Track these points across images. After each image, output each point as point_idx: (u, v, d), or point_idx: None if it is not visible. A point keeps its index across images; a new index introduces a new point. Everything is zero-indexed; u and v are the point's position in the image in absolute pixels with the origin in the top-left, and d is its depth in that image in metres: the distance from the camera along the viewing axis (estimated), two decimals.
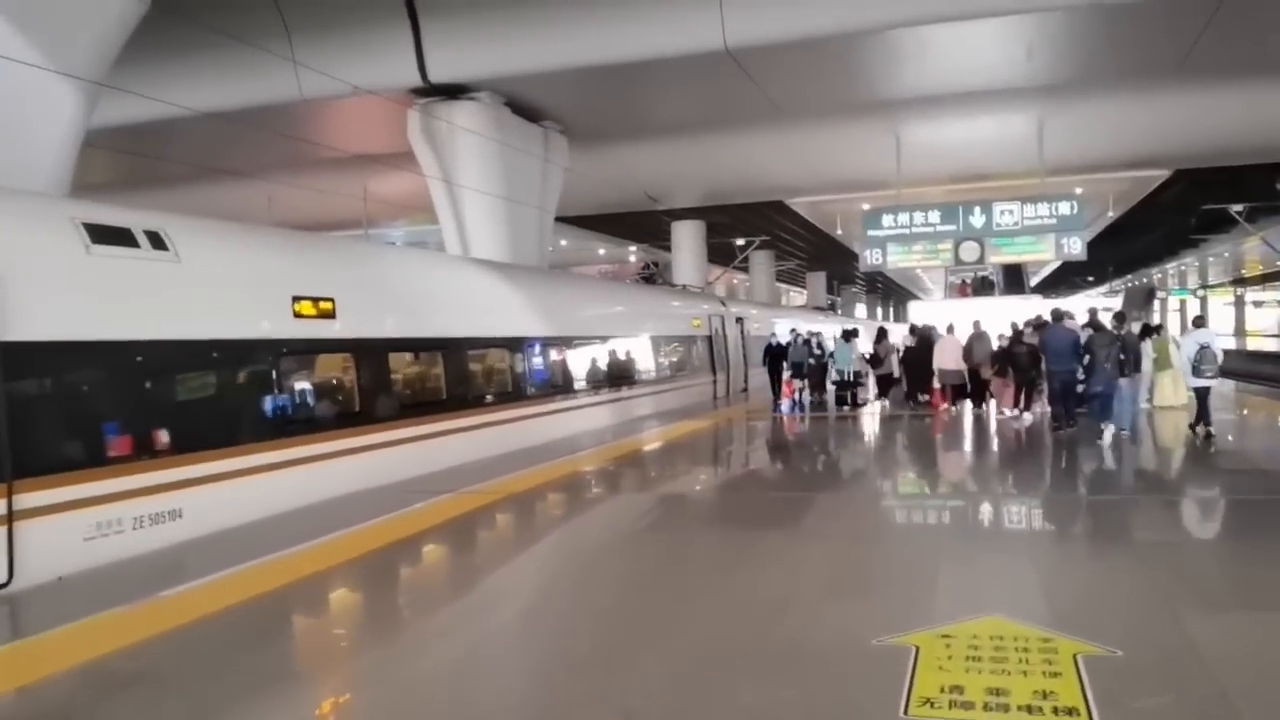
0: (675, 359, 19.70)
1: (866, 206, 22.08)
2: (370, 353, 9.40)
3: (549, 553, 7.01)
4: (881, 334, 20.55)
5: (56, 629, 4.93)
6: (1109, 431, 12.06)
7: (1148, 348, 15.20)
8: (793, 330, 20.61)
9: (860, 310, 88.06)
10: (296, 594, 5.74)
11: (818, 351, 19.43)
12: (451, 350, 10.89)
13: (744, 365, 24.19)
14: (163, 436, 7.01)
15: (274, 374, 8.10)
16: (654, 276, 38.41)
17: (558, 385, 13.97)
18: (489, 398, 11.86)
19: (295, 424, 8.33)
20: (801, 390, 19.32)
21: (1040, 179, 22.81)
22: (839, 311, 68.14)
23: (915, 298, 70.95)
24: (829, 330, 23.74)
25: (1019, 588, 5.55)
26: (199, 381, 7.50)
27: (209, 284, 7.73)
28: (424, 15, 17.06)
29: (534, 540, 7.58)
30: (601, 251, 43.06)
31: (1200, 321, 14.82)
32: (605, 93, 19.29)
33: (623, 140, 23.16)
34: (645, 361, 18.11)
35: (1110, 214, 30.78)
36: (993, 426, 15.26)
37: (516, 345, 12.62)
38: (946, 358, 17.32)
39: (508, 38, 16.84)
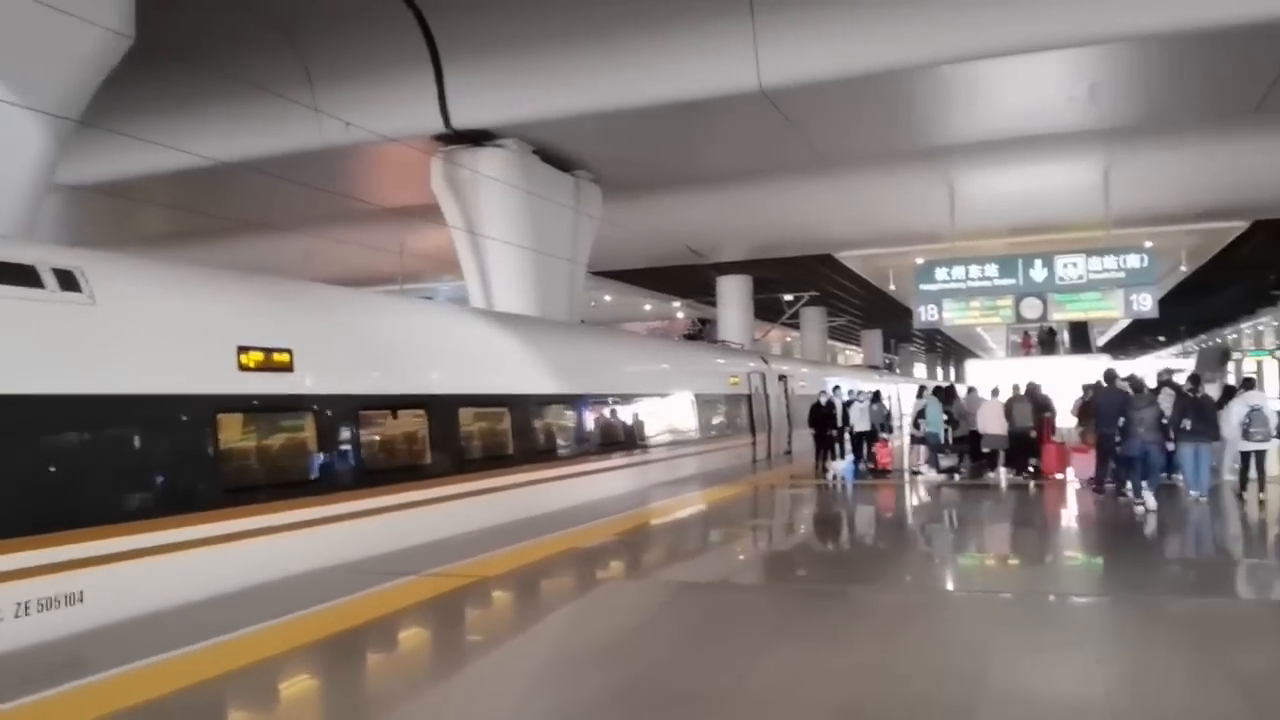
0: (709, 419, 18.45)
1: (920, 260, 20.80)
2: (336, 411, 8.37)
3: (494, 665, 5.75)
4: (951, 392, 19.08)
5: None
6: (1148, 498, 11.64)
7: (1233, 412, 13.63)
8: (851, 390, 19.21)
9: (920, 370, 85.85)
10: (190, 702, 4.67)
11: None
12: (439, 408, 9.83)
13: (788, 426, 22.85)
14: (63, 506, 6.03)
15: (208, 435, 7.09)
16: (701, 334, 37.28)
17: (568, 448, 12.84)
18: (483, 462, 10.76)
19: (235, 493, 7.29)
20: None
21: (1106, 231, 21.35)
22: (896, 371, 66.30)
23: (976, 357, 68.65)
24: (883, 390, 22.38)
25: None
26: (111, 442, 6.51)
27: (130, 331, 6.79)
28: (446, 59, 16.41)
29: (482, 645, 6.37)
30: (648, 307, 42.15)
31: (1251, 383, 13.73)
32: (639, 140, 18.43)
33: (661, 191, 22.29)
34: (673, 422, 16.91)
35: (1183, 268, 29.07)
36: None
37: (519, 403, 11.52)
38: (989, 421, 16.40)
39: (533, 82, 16.11)
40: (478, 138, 17.29)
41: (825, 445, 17.91)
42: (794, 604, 7.16)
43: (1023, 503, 13.72)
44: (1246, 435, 12.04)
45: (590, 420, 13.50)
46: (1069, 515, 12.74)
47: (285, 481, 7.97)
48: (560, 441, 12.80)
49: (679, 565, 9.28)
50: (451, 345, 11.38)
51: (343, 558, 7.80)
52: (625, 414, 15.00)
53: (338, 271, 29.77)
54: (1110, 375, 14.27)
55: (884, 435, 18.82)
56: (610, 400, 14.47)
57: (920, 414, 17.03)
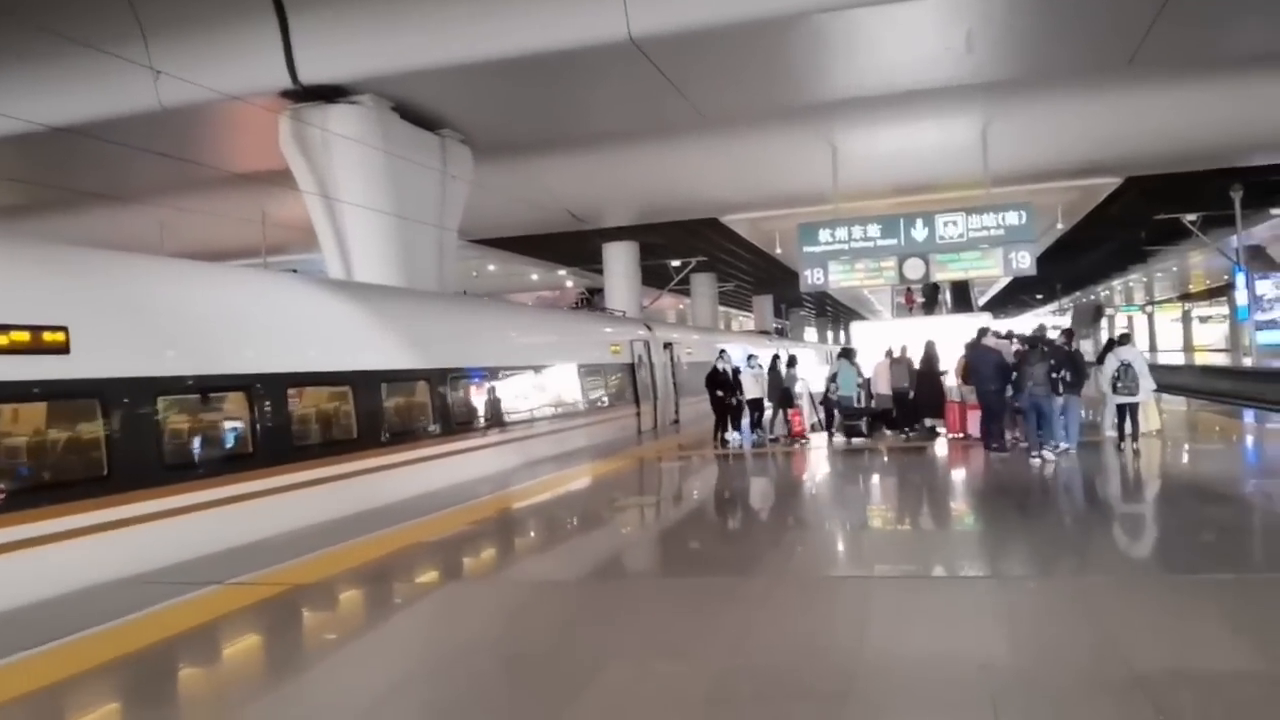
0: (588, 390, 17.58)
1: (801, 223, 20.37)
2: (127, 396, 7.25)
3: (288, 700, 4.76)
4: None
5: None
6: (1047, 451, 12.08)
7: (1109, 367, 13.48)
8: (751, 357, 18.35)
9: (811, 334, 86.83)
10: None
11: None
12: (263, 390, 8.76)
13: (675, 395, 22.23)
14: None
15: None
16: (589, 303, 36.46)
17: (423, 428, 11.81)
18: (319, 449, 9.73)
19: None
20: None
21: (986, 189, 21.24)
22: (788, 335, 66.74)
23: (864, 319, 69.62)
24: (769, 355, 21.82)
25: None
26: None
27: None
28: (292, 8, 15.11)
29: (276, 676, 5.25)
30: (534, 277, 41.09)
31: (1126, 339, 14.02)
32: (509, 97, 17.38)
33: (538, 153, 21.28)
34: (546, 395, 15.96)
35: (1059, 226, 29.44)
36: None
37: (364, 381, 10.47)
38: (880, 382, 16.57)
39: (387, 32, 14.95)
40: (330, 94, 16.02)
41: (722, 414, 17.15)
42: (667, 601, 6.15)
43: (915, 465, 13.27)
44: (1116, 390, 12.46)
45: (449, 397, 12.44)
46: (963, 476, 12.58)
47: (60, 481, 6.85)
48: (414, 422, 11.77)
49: (537, 559, 8.27)
50: (280, 318, 10.21)
51: (138, 568, 6.73)
52: (490, 389, 13.97)
53: (195, 245, 27.89)
54: (981, 333, 14.30)
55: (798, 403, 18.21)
56: (472, 374, 13.40)
57: (833, 378, 16.33)
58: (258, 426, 8.66)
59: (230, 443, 8.68)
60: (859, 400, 16.69)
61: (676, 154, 22.04)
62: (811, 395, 18.09)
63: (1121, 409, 12.69)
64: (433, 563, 7.78)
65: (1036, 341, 13.21)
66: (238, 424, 8.69)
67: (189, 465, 8.07)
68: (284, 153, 16.82)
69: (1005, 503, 9.84)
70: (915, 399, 15.96)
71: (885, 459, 13.82)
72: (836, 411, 16.43)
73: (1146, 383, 12.67)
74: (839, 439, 15.98)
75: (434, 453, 11.58)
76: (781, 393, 17.07)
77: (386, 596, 6.69)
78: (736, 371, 17.14)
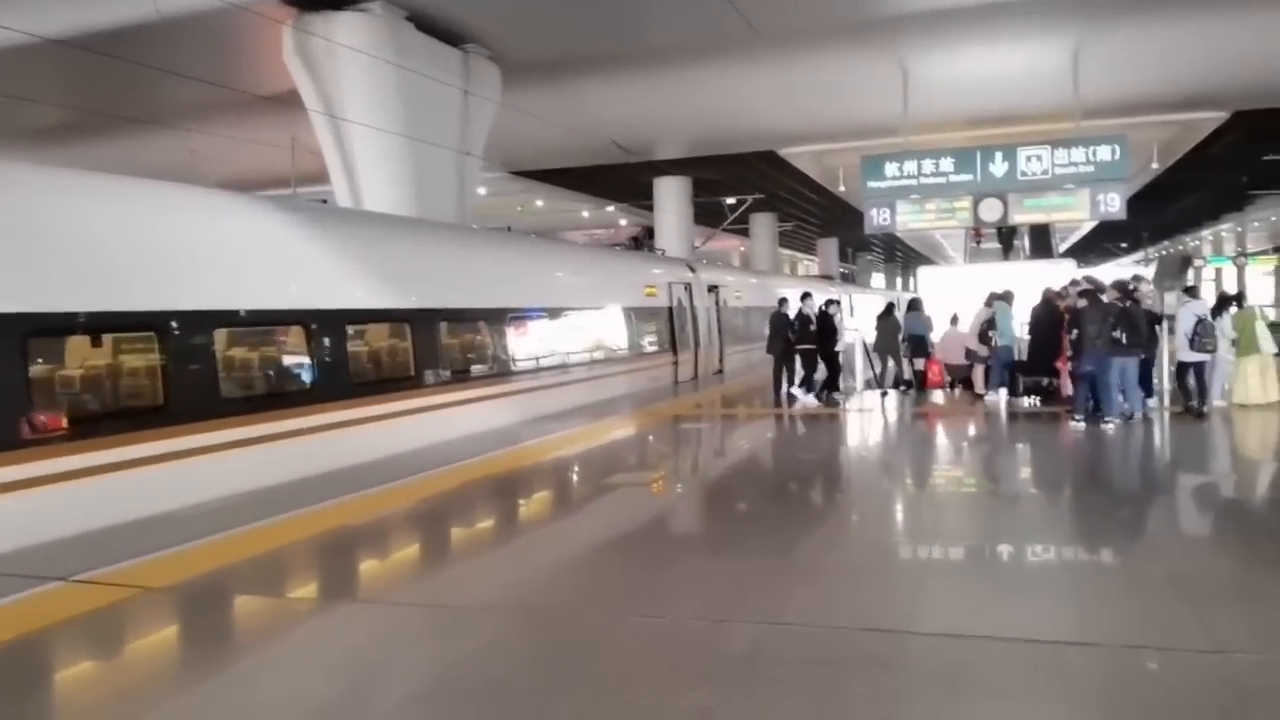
0: (614, 336, 15.95)
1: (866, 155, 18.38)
2: None
3: None
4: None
5: None
6: (1109, 422, 10.88)
7: (1225, 325, 11.56)
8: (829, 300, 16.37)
9: (878, 280, 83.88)
10: None
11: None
12: (178, 331, 7.30)
13: (718, 343, 20.55)
14: None
15: None
16: (640, 243, 34.72)
17: (401, 377, 10.33)
18: (261, 401, 8.31)
19: None
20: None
21: (1075, 123, 18.94)
22: (854, 281, 64.26)
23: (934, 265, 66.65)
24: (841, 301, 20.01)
25: None
26: None
27: None
28: None
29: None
30: (585, 214, 39.33)
31: (1194, 291, 12.60)
32: (544, 8, 15.60)
33: (577, 74, 19.45)
34: (561, 341, 14.32)
35: (1154, 166, 26.80)
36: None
37: (327, 321, 8.98)
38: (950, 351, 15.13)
39: None
40: (337, 1, 14.42)
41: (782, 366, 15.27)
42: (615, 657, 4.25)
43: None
44: (1197, 346, 11.35)
45: (438, 342, 10.92)
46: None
47: None
48: (392, 370, 10.33)
49: (466, 565, 6.30)
50: (207, 243, 8.56)
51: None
52: (493, 333, 12.44)
53: (226, 173, 26.79)
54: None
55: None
56: (469, 316, 11.89)
57: (990, 323, 13.82)
58: (172, 373, 7.23)
59: (137, 392, 7.27)
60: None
61: (730, 78, 20.07)
62: (866, 346, 16.25)
63: (1183, 367, 11.56)
64: (331, 559, 6.22)
65: (1094, 295, 11.73)
66: (148, 369, 7.27)
67: (82, 421, 6.67)
68: (289, 68, 15.35)
69: None
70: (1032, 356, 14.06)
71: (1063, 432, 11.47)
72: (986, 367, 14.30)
73: (1269, 345, 10.78)
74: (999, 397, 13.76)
75: (415, 405, 10.10)
76: (914, 340, 15.77)
77: (254, 609, 5.15)
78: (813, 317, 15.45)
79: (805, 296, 15.60)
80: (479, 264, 13.58)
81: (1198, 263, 76.65)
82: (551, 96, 20.25)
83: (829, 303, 15.68)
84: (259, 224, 9.36)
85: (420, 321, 10.61)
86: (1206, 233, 61.80)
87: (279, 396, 8.65)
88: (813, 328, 14.99)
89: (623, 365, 15.97)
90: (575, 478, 9.53)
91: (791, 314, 15.52)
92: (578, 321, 14.99)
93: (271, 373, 8.85)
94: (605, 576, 5.65)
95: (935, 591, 5.10)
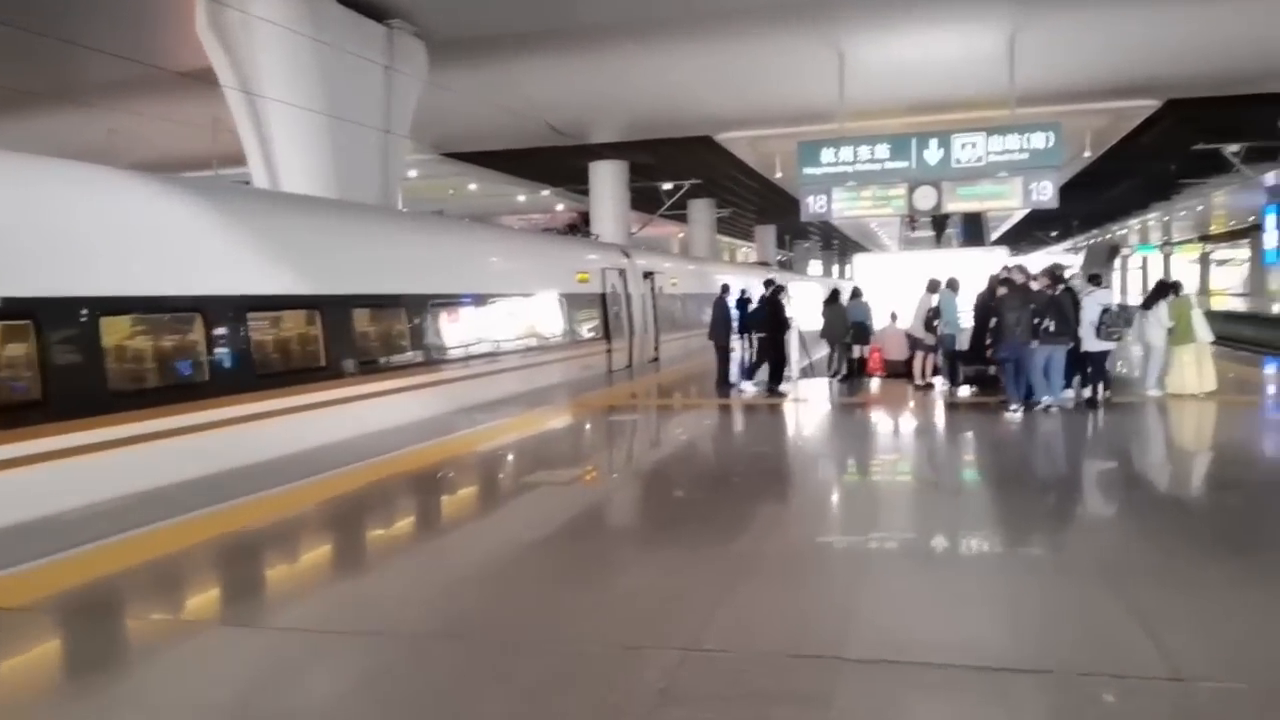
0: (542, 324, 15.43)
1: (802, 141, 18.11)
2: None
3: None
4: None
5: None
6: (1013, 407, 11.06)
7: (1162, 314, 11.47)
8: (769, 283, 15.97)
9: (815, 267, 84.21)
10: None
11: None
12: (50, 320, 6.66)
13: (654, 330, 20.17)
14: None
15: None
16: (577, 229, 34.19)
17: (299, 369, 9.71)
18: (140, 397, 7.67)
19: None
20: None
21: (1010, 110, 18.87)
22: (792, 269, 64.38)
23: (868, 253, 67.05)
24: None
25: None
26: None
27: None
28: None
29: None
30: (521, 198, 38.61)
31: (1098, 280, 12.31)
32: None
33: (510, 53, 18.82)
34: (484, 328, 13.68)
35: (1087, 154, 26.99)
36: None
37: (213, 308, 8.33)
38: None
39: None
40: None
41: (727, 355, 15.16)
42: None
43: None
44: (1104, 335, 11.21)
45: (345, 330, 10.34)
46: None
47: None
48: (289, 361, 9.70)
49: (360, 580, 5.66)
50: (93, 224, 7.84)
51: None
52: (409, 320, 11.78)
53: (146, 154, 25.67)
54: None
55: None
56: (389, 303, 11.31)
57: (935, 311, 13.57)
58: (47, 367, 6.60)
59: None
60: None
61: (666, 60, 19.63)
62: (802, 335, 16.00)
63: (1083, 358, 11.46)
64: (216, 576, 5.63)
65: (1011, 284, 11.71)
66: (25, 360, 6.64)
67: None
68: (202, 41, 14.56)
69: None
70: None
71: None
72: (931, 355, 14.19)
73: (1205, 334, 10.72)
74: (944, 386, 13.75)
75: (327, 398, 9.53)
76: (856, 327, 15.57)
77: (106, 643, 4.56)
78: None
79: (769, 284, 15.40)
80: (400, 248, 12.91)
81: (1125, 251, 78.52)
82: (483, 76, 19.65)
83: (777, 289, 15.31)
84: (145, 204, 8.64)
85: (332, 308, 10.01)
86: (1134, 222, 63.02)
87: (172, 390, 8.03)
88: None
89: (554, 353, 15.49)
90: (493, 476, 8.94)
91: (733, 301, 15.30)
92: (506, 308, 14.43)
93: (163, 364, 8.22)
94: (512, 592, 5.14)
95: (870, 603, 4.72)
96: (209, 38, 14.26)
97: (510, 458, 9.70)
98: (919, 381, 13.87)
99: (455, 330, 12.78)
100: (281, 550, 6.25)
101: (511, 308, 14.59)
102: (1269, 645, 3.96)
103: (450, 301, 12.78)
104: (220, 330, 8.40)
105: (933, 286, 13.74)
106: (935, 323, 13.31)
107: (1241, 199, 40.04)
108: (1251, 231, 48.38)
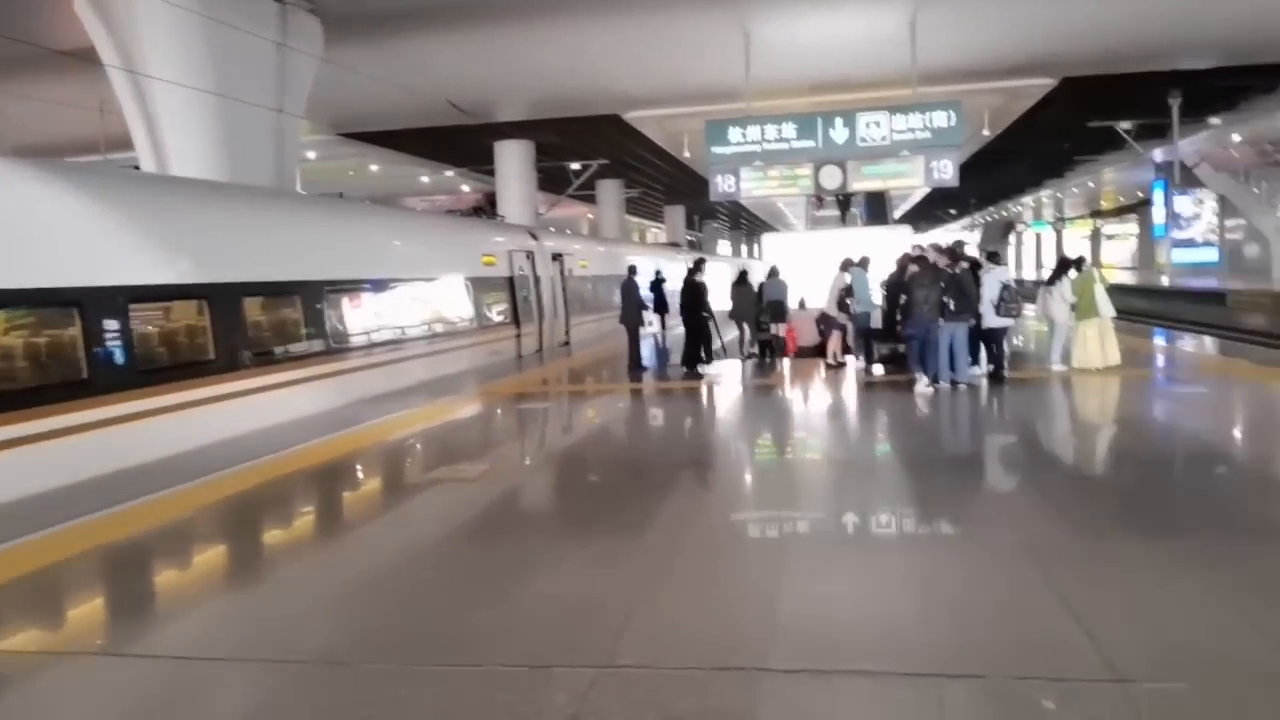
0: (445, 309, 14.99)
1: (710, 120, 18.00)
2: None
3: None
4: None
5: None
6: (923, 383, 11.12)
7: (1065, 289, 11.65)
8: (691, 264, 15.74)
9: (725, 248, 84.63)
10: None
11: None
12: None
13: (564, 313, 19.88)
14: None
15: None
16: (484, 211, 33.56)
17: (214, 359, 9.23)
18: (26, 392, 7.14)
19: None
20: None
21: (913, 89, 19.04)
22: (701, 249, 64.52)
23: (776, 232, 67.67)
24: (678, 271, 19.72)
25: None
26: None
27: None
28: None
29: None
30: (425, 180, 37.73)
31: (996, 257, 12.47)
32: None
33: (408, 29, 18.21)
34: (383, 315, 13.13)
35: (986, 133, 27.53)
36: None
37: (105, 300, 7.79)
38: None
39: None
40: None
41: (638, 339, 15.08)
42: None
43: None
44: (1004, 311, 11.32)
45: (252, 319, 9.84)
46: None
47: None
48: (191, 352, 9.17)
49: (238, 595, 5.18)
50: None
51: None
52: (310, 309, 11.22)
53: (30, 138, 24.32)
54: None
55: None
56: (284, 290, 10.76)
57: (848, 290, 13.39)
58: None
59: None
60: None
61: (572, 37, 19.27)
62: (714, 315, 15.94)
63: (985, 335, 11.53)
64: (78, 595, 5.12)
65: (923, 261, 11.77)
66: None
67: None
68: (80, 17, 13.71)
69: None
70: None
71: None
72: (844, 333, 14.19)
73: (1108, 309, 10.95)
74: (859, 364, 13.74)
75: (216, 393, 9.03)
76: (774, 306, 15.43)
77: None
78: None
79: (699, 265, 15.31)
80: (293, 232, 12.31)
81: (1020, 227, 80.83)
82: (381, 53, 19.01)
83: (695, 268, 15.09)
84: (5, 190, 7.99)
85: (220, 297, 9.47)
86: (1029, 199, 64.88)
87: (47, 390, 7.47)
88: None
89: (461, 339, 15.07)
90: (393, 474, 8.41)
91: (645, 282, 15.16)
92: (409, 293, 13.93)
93: (31, 361, 7.63)
94: (411, 606, 4.74)
95: (793, 601, 4.55)
96: (87, 12, 13.44)
97: (411, 452, 9.24)
98: (831, 361, 13.91)
99: (355, 317, 12.27)
100: (158, 564, 5.77)
101: (414, 293, 14.12)
102: (1203, 638, 3.91)
103: (350, 287, 12.26)
104: (99, 324, 7.84)
105: (845, 265, 13.74)
106: (848, 301, 13.31)
107: (1131, 175, 41.41)
108: (1140, 207, 50.23)
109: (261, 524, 6.73)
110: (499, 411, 11.64)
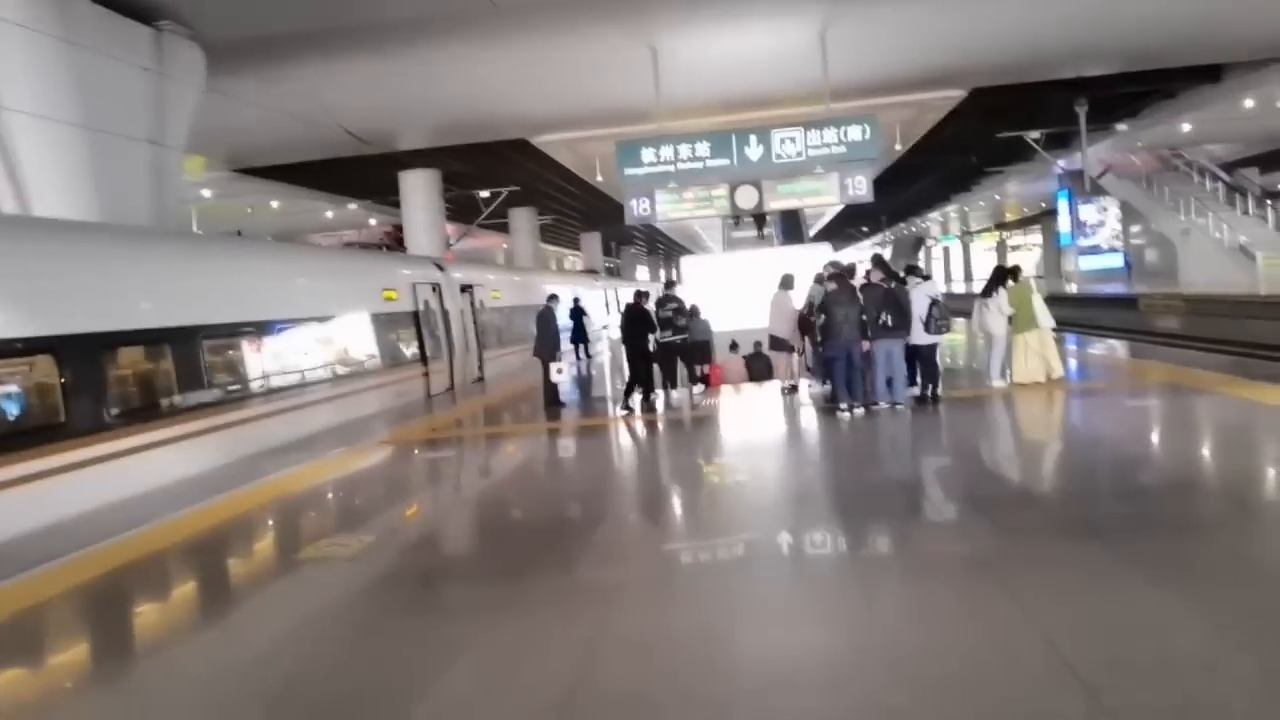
0: (342, 350, 13.97)
1: (620, 142, 17.42)
2: None
3: None
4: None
5: None
6: (843, 407, 10.76)
7: (1002, 301, 11.21)
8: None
9: (643, 273, 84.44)
10: None
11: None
12: None
13: (476, 348, 18.96)
14: None
15: None
16: (391, 245, 32.46)
17: (65, 422, 8.12)
18: None
19: None
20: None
21: (826, 105, 18.74)
22: (620, 275, 64.09)
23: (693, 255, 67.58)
24: (596, 299, 19.01)
25: None
26: None
27: None
28: None
29: None
30: (329, 215, 36.42)
31: (918, 271, 12.05)
32: None
33: (298, 56, 17.21)
34: (277, 360, 12.07)
35: (898, 148, 27.50)
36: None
37: None
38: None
39: None
40: None
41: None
42: None
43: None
44: (934, 328, 10.93)
45: (113, 374, 8.76)
46: None
47: None
48: (41, 414, 8.09)
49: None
50: None
51: None
52: (184, 358, 10.12)
53: None
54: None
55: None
56: (150, 339, 9.69)
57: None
58: None
59: None
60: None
61: (472, 61, 18.48)
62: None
63: (914, 352, 11.11)
64: None
65: (841, 279, 11.35)
66: None
67: None
68: None
69: None
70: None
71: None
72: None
73: (1047, 320, 10.57)
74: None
75: (68, 460, 7.93)
76: (698, 345, 14.78)
77: None
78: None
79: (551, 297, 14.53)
80: (164, 273, 11.12)
81: (929, 242, 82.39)
82: (271, 82, 18.01)
83: (639, 297, 13.94)
84: None
85: (71, 350, 8.36)
86: (936, 214, 66.01)
87: None
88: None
89: (363, 380, 14.05)
90: (267, 550, 7.23)
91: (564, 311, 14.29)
92: (301, 335, 12.82)
93: None
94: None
95: (745, 659, 3.86)
96: None
97: (294, 519, 8.07)
98: (784, 384, 13.30)
99: (240, 364, 11.18)
100: None
101: (308, 333, 13.04)
102: (1177, 659, 3.77)
103: (230, 331, 11.16)
104: None
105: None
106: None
107: (1035, 186, 42.26)
108: (1043, 217, 51.35)
109: (107, 623, 5.60)
110: (402, 461, 10.54)
